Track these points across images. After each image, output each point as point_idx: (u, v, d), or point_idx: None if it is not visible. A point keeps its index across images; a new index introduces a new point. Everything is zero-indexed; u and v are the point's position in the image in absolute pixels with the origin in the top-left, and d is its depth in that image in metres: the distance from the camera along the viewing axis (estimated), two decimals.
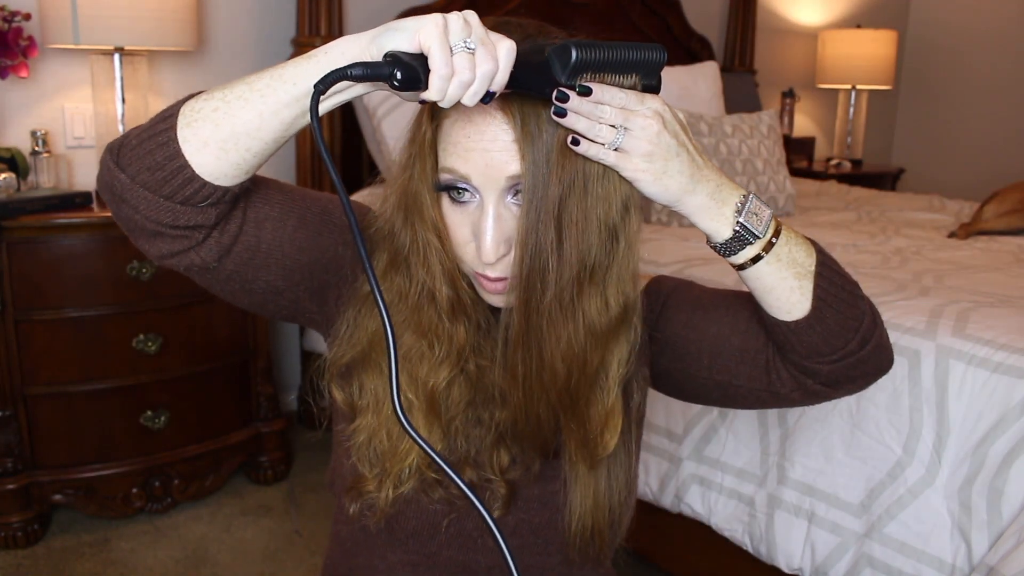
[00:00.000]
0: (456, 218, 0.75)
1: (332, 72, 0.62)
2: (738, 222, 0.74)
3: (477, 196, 0.73)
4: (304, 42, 2.52)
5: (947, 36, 4.48)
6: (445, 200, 0.75)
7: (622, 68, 0.69)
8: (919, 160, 4.59)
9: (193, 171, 0.68)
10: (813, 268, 0.76)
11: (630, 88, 0.70)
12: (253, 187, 0.77)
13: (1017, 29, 4.26)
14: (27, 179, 2.10)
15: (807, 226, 2.59)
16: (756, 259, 0.75)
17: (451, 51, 0.62)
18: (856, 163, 4.16)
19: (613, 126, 0.69)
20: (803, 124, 4.26)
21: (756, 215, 0.74)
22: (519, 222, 0.71)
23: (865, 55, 3.92)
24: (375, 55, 0.64)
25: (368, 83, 0.65)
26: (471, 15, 0.64)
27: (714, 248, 0.76)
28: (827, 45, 4.02)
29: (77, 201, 2.02)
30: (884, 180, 4.16)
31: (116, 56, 2.14)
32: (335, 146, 2.62)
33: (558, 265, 0.71)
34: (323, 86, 0.63)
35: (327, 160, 0.62)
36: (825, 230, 2.53)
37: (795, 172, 3.74)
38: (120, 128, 2.18)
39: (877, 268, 2.02)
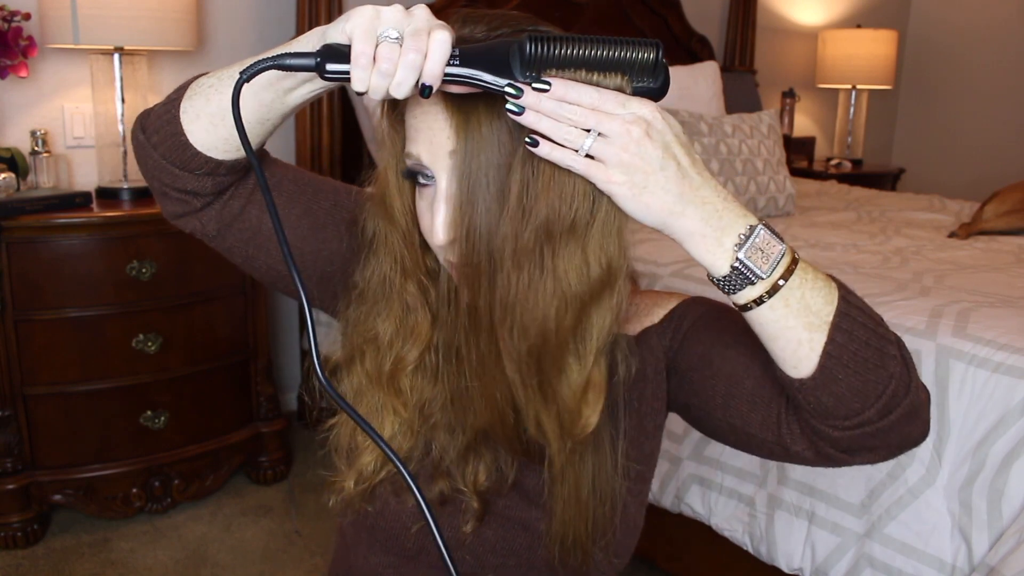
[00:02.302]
0: (422, 205, 0.73)
1: (260, 61, 0.63)
2: (737, 258, 0.64)
3: (434, 178, 0.72)
4: None
5: (947, 36, 4.48)
6: (417, 191, 0.74)
7: (599, 66, 0.63)
8: (919, 160, 4.59)
9: (187, 139, 0.72)
10: (830, 319, 0.66)
11: (616, 90, 0.63)
12: (266, 170, 0.80)
13: (1017, 29, 4.26)
14: (27, 179, 2.10)
15: (807, 226, 2.59)
16: (759, 301, 0.66)
17: (377, 41, 0.60)
18: (856, 163, 4.16)
19: (587, 130, 0.63)
20: (803, 124, 4.26)
21: (762, 251, 0.65)
22: (453, 198, 0.68)
23: (865, 55, 3.92)
24: (316, 45, 0.63)
25: (306, 73, 0.65)
26: (419, 8, 0.62)
27: (713, 282, 0.67)
28: (827, 45, 4.02)
29: (77, 201, 2.02)
30: (884, 180, 4.16)
31: (116, 56, 2.14)
32: (335, 146, 2.62)
33: (521, 224, 0.66)
34: (246, 75, 0.63)
35: (252, 159, 0.64)
36: (825, 230, 2.53)
37: (795, 172, 3.74)
38: (120, 128, 2.18)
39: (877, 268, 2.02)
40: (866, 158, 4.42)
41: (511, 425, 0.75)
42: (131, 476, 2.12)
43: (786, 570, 1.62)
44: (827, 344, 0.66)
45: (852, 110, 4.24)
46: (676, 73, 3.05)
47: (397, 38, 0.60)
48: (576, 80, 0.63)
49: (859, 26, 4.12)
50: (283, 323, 2.76)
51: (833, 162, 4.06)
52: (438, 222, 0.69)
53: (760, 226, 0.65)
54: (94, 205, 2.08)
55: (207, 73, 0.73)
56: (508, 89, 0.62)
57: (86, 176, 2.34)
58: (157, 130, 0.74)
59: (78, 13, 1.97)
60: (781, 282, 0.65)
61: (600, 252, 0.68)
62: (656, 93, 0.65)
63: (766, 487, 1.66)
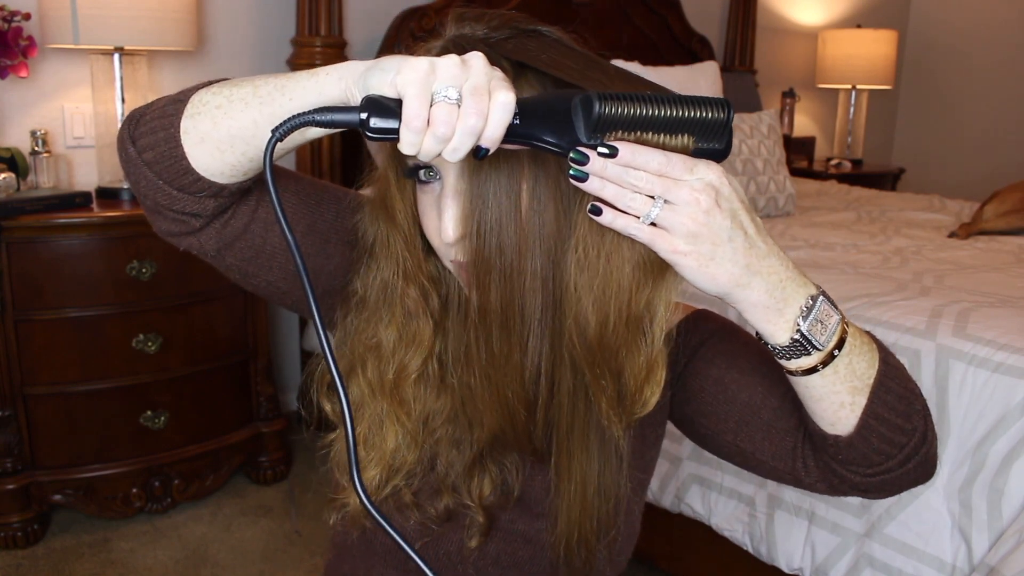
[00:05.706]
0: (426, 204, 0.71)
1: (295, 116, 0.57)
2: (799, 331, 0.63)
3: (440, 176, 0.69)
4: (304, 42, 2.52)
5: (947, 35, 4.48)
6: (419, 190, 0.72)
7: (667, 127, 0.59)
8: (919, 160, 4.59)
9: (189, 163, 0.66)
10: (871, 382, 0.66)
11: (680, 150, 0.59)
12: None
13: (1017, 29, 4.26)
14: (27, 179, 2.10)
15: (807, 226, 2.59)
16: (810, 370, 0.65)
17: (432, 100, 0.55)
18: (856, 163, 4.16)
19: (652, 196, 0.59)
20: (803, 124, 4.26)
21: (822, 323, 0.63)
22: (463, 193, 0.66)
23: (865, 55, 3.92)
24: (356, 95, 0.58)
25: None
26: (475, 57, 0.57)
27: (767, 347, 0.66)
28: (827, 45, 4.02)
29: (77, 201, 2.02)
30: (884, 180, 4.16)
31: (116, 56, 2.14)
32: (335, 147, 2.62)
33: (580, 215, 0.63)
34: (279, 133, 0.57)
35: (282, 221, 0.58)
36: (825, 230, 2.53)
37: (795, 172, 3.75)
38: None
39: (877, 268, 2.02)
40: (866, 158, 4.42)
41: (522, 423, 0.74)
42: (131, 476, 2.12)
43: (786, 570, 1.62)
44: (867, 406, 0.66)
45: (852, 110, 4.24)
46: (676, 73, 3.05)
47: (456, 100, 0.55)
48: (642, 141, 0.59)
49: (859, 26, 4.12)
50: (283, 323, 2.76)
51: (833, 162, 4.06)
52: (447, 218, 0.66)
53: (820, 296, 0.64)
54: (94, 205, 2.07)
55: (207, 86, 0.67)
56: (573, 154, 0.58)
57: (86, 176, 2.34)
58: (152, 147, 0.67)
59: (78, 13, 1.97)
60: (836, 352, 0.64)
61: None
62: (720, 155, 0.61)
63: (766, 487, 1.66)
